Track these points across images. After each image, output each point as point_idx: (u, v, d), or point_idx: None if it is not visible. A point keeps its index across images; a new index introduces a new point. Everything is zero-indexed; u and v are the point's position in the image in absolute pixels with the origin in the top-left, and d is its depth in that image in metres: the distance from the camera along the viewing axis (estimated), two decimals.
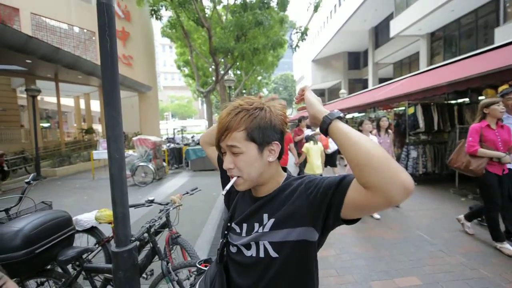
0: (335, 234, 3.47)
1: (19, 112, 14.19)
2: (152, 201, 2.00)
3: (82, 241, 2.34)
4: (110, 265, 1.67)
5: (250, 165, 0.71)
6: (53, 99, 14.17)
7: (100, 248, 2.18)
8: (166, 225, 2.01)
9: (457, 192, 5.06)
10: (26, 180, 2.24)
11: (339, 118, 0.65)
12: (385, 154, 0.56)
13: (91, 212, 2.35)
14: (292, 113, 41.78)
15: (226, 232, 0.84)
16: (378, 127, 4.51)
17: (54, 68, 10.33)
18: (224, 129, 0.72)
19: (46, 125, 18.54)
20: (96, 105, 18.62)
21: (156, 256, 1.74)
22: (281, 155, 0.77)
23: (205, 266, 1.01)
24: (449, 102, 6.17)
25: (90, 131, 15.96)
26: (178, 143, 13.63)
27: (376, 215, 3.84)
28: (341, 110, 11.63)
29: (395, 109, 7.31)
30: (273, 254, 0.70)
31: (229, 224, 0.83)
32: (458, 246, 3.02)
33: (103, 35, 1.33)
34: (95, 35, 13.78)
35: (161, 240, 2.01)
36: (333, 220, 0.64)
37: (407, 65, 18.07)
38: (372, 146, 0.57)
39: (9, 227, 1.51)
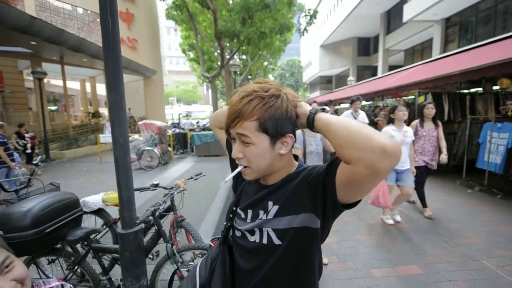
0: (339, 222, 3.48)
1: (26, 95, 14.31)
2: (157, 185, 2.02)
3: (90, 222, 2.40)
4: (117, 246, 1.71)
5: (260, 157, 0.68)
6: (60, 82, 14.19)
7: (107, 229, 2.23)
8: (171, 208, 2.04)
9: (463, 184, 5.00)
10: (34, 162, 2.27)
11: (322, 110, 0.66)
12: (361, 126, 0.56)
13: (98, 194, 2.39)
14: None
15: (231, 216, 0.83)
16: (421, 116, 3.56)
17: (59, 50, 10.26)
18: (235, 116, 0.67)
19: (53, 108, 18.72)
20: (102, 89, 18.63)
21: (161, 239, 1.78)
22: (293, 145, 0.74)
23: None
24: (461, 91, 5.96)
25: (96, 114, 16.08)
26: (183, 129, 13.68)
27: (390, 221, 3.39)
28: (348, 98, 11.41)
29: (404, 97, 7.11)
30: (276, 241, 0.70)
31: (234, 209, 0.83)
32: (462, 237, 3.02)
33: (105, 15, 1.29)
34: (99, 17, 13.56)
35: (166, 223, 2.05)
36: (332, 204, 0.63)
37: (419, 52, 17.39)
38: (349, 124, 0.57)
39: (18, 207, 1.54)
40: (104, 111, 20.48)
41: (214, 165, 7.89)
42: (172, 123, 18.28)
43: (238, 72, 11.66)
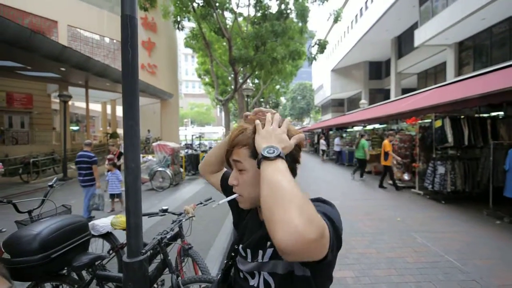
0: (353, 253, 3.27)
1: (52, 116, 15.24)
2: (165, 211, 1.99)
3: (97, 245, 2.37)
4: (121, 275, 1.65)
5: (253, 185, 0.69)
6: (83, 104, 15.08)
7: (113, 254, 2.19)
8: (178, 235, 1.98)
9: (491, 214, 4.62)
10: (50, 183, 2.32)
11: (267, 158, 0.58)
12: (279, 203, 0.50)
13: (108, 218, 2.38)
14: (310, 123, 41.27)
15: (233, 254, 0.81)
16: None
17: (85, 75, 11.03)
18: (230, 145, 0.73)
19: (75, 128, 19.72)
20: (121, 111, 19.53)
21: (167, 269, 1.71)
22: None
23: None
24: (481, 115, 5.75)
25: (114, 135, 16.73)
26: (196, 150, 13.86)
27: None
28: (361, 122, 11.29)
29: (419, 121, 6.94)
30: (272, 285, 0.68)
31: (236, 247, 0.81)
32: (494, 276, 2.71)
33: (125, 46, 1.36)
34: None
35: (173, 251, 1.98)
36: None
37: (433, 75, 17.27)
38: (273, 195, 0.51)
39: (28, 230, 1.55)
40: (121, 131, 21.29)
41: None
42: (185, 144, 18.67)
43: (251, 95, 11.93)
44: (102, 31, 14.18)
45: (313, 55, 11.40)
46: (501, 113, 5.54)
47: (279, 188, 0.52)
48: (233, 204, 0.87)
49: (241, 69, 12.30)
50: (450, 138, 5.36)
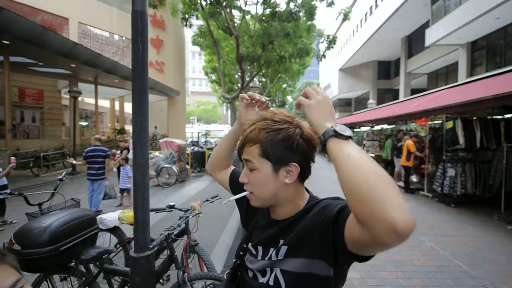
0: None
1: (62, 111, 15.55)
2: (172, 207, 1.99)
3: (104, 239, 2.40)
4: (128, 269, 1.67)
5: (263, 184, 0.67)
6: (92, 100, 15.33)
7: (120, 248, 2.21)
8: (185, 231, 1.99)
9: (502, 219, 4.50)
10: (59, 177, 2.36)
11: (337, 135, 0.54)
12: (377, 182, 0.45)
13: (115, 212, 2.41)
14: None
15: (241, 253, 0.80)
16: None
17: (95, 72, 11.19)
18: (242, 142, 0.71)
19: (84, 124, 20.07)
20: (129, 107, 19.83)
21: (173, 264, 1.71)
22: (306, 177, 0.71)
23: None
24: (494, 117, 5.59)
25: (122, 131, 16.96)
26: (202, 147, 13.94)
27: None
28: (369, 122, 11.13)
29: (430, 122, 6.80)
30: (282, 283, 0.65)
31: (245, 246, 0.80)
32: (506, 283, 2.64)
33: (136, 42, 1.36)
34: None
35: (179, 247, 1.98)
36: (342, 254, 0.55)
37: (444, 75, 16.89)
38: (365, 171, 0.47)
39: (38, 222, 1.57)
40: (129, 128, 21.60)
41: None
42: (192, 141, 18.80)
43: (258, 94, 11.89)
44: (111, 28, 14.35)
45: (322, 52, 11.27)
46: None
47: (369, 166, 0.48)
48: (240, 203, 0.86)
49: (248, 67, 12.28)
50: (461, 139, 5.23)
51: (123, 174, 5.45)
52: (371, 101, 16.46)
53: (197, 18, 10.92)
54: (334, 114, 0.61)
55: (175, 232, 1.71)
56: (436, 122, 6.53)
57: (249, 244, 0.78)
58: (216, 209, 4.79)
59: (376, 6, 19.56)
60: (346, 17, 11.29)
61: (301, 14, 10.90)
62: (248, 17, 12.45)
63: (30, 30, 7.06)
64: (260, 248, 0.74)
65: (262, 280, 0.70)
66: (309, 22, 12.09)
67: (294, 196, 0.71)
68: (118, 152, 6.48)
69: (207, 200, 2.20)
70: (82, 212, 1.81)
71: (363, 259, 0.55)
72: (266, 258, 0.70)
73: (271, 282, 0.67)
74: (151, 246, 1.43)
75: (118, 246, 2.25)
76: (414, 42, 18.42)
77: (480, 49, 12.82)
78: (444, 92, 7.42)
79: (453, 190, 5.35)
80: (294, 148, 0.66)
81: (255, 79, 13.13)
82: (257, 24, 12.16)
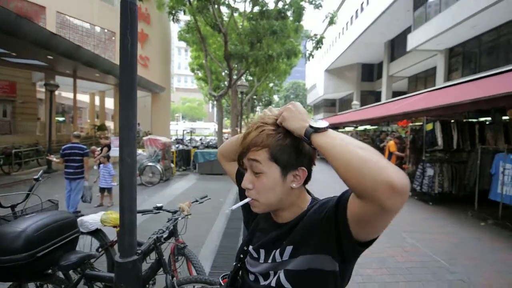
0: None
1: (37, 106, 14.62)
2: (160, 208, 1.92)
3: (85, 243, 2.27)
4: (111, 274, 1.58)
5: (270, 189, 0.65)
6: (70, 95, 14.57)
7: (103, 252, 2.10)
8: (172, 233, 1.92)
9: (476, 216, 4.78)
10: (35, 177, 2.20)
11: (316, 130, 0.58)
12: (366, 153, 0.50)
13: (97, 214, 2.28)
14: None
15: (241, 256, 0.78)
16: None
17: (73, 65, 10.61)
18: (248, 145, 0.66)
19: (61, 119, 19.04)
20: (110, 103, 19.04)
21: (161, 268, 1.64)
22: (308, 181, 0.70)
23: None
24: (469, 120, 5.92)
25: (102, 127, 16.26)
26: (187, 145, 13.68)
27: None
28: (354, 122, 11.42)
29: (410, 124, 7.08)
30: (285, 284, 0.64)
31: (245, 248, 0.78)
32: (481, 277, 2.80)
33: (125, 34, 1.28)
34: (115, 35, 14.18)
35: (166, 249, 1.91)
36: (347, 242, 0.56)
37: (423, 79, 17.68)
38: (353, 148, 0.51)
39: (12, 227, 1.45)
40: (110, 124, 20.76)
41: (217, 185, 7.74)
42: (176, 139, 18.40)
43: (245, 92, 11.84)
44: (92, 20, 13.66)
45: (309, 52, 11.39)
46: (489, 118, 5.71)
47: (356, 142, 0.53)
48: (243, 196, 0.83)
49: (236, 65, 12.17)
50: (440, 141, 5.49)
51: (104, 172, 5.21)
52: (355, 102, 16.90)
53: (184, 13, 10.66)
54: (309, 117, 0.63)
55: (165, 235, 1.64)
56: (416, 124, 6.81)
57: (250, 247, 0.76)
58: (201, 209, 4.70)
59: (362, 9, 20.09)
60: (332, 20, 11.47)
61: (289, 13, 10.94)
62: (236, 14, 12.32)
63: (1, 17, 6.56)
64: (262, 251, 0.72)
65: (263, 283, 0.69)
66: (296, 23, 12.16)
67: (298, 199, 0.70)
68: (98, 149, 6.19)
69: (196, 201, 2.14)
70: (61, 215, 1.69)
71: (366, 244, 0.57)
72: (270, 261, 0.69)
73: (273, 284, 0.66)
74: (139, 251, 1.36)
75: (100, 250, 2.13)
76: (396, 46, 19.10)
77: (456, 55, 13.54)
78: (425, 95, 7.75)
79: (431, 189, 5.60)
80: (303, 152, 0.66)
81: (242, 77, 13.03)
82: (245, 22, 12.07)
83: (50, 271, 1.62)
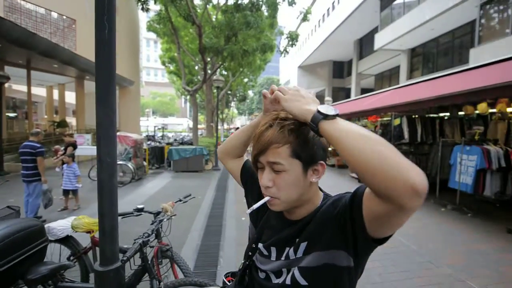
0: None
1: None
2: (141, 210, 1.80)
3: (53, 252, 2.06)
4: (88, 285, 1.45)
5: (293, 185, 0.63)
6: (23, 88, 13.05)
7: (75, 261, 1.92)
8: (156, 236, 1.81)
9: (437, 202, 5.26)
10: None
11: (326, 117, 0.54)
12: (386, 150, 0.47)
13: (66, 219, 2.08)
14: None
15: (250, 254, 0.76)
16: None
17: (27, 54, 9.49)
18: (266, 143, 0.62)
19: (12, 115, 17.04)
20: (71, 97, 17.45)
21: (146, 274, 1.54)
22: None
23: (230, 281, 0.90)
24: (430, 115, 6.45)
25: (62, 124, 14.85)
26: (160, 142, 13.10)
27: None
28: None
29: (379, 119, 7.53)
30: (301, 281, 0.63)
31: (254, 246, 0.76)
32: (445, 258, 3.09)
33: (101, 20, 1.15)
34: (75, 23, 12.93)
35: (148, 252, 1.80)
36: (362, 239, 0.56)
37: (388, 77, 18.89)
38: (370, 143, 0.48)
39: None
40: (71, 120, 19.08)
41: (194, 182, 7.54)
42: (147, 136, 17.54)
43: (220, 87, 11.63)
44: (48, 4, 12.28)
45: (284, 47, 11.50)
46: (447, 114, 6.28)
47: (373, 135, 0.49)
48: (250, 195, 0.82)
49: (209, 59, 11.86)
50: (406, 135, 5.92)
51: (69, 173, 4.77)
52: (328, 98, 17.49)
53: (155, 3, 10.08)
54: (315, 101, 0.59)
55: (151, 239, 1.54)
56: (385, 119, 7.26)
57: (260, 245, 0.74)
58: (180, 208, 4.54)
59: (333, 8, 20.72)
60: (305, 17, 11.66)
61: (263, 8, 10.89)
62: (209, 6, 11.95)
63: None
64: (273, 249, 0.71)
65: (276, 281, 0.68)
66: (272, 19, 12.18)
67: (314, 195, 0.69)
68: (62, 148, 5.65)
69: (180, 200, 2.04)
70: (27, 223, 1.50)
71: (381, 241, 0.56)
72: (283, 258, 0.68)
73: (288, 282, 0.65)
74: (124, 258, 1.26)
75: (72, 258, 1.94)
76: (365, 45, 20.10)
77: (417, 55, 14.64)
78: (391, 92, 8.27)
79: None
80: (322, 145, 0.65)
81: (216, 72, 12.76)
82: (219, 14, 11.76)
83: (15, 286, 1.43)
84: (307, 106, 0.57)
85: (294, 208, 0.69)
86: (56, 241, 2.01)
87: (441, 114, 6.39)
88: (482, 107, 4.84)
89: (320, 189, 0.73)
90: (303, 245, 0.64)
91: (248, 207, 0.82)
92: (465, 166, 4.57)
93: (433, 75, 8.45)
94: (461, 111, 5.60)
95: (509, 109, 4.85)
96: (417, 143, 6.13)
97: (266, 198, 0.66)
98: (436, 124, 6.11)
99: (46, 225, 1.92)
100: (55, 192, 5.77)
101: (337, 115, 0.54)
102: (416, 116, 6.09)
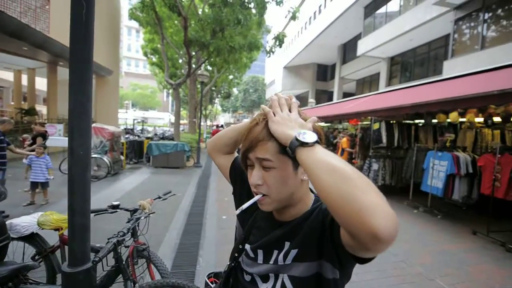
0: None
1: None
2: (117, 207, 1.69)
3: (16, 251, 1.88)
4: (54, 287, 1.33)
5: (283, 183, 0.61)
6: None
7: (41, 261, 1.77)
8: (132, 234, 1.71)
9: (410, 205, 5.53)
10: None
11: (302, 144, 0.53)
12: (354, 190, 0.43)
13: (32, 215, 1.91)
14: None
15: (236, 255, 0.74)
16: None
17: None
18: (254, 139, 0.62)
19: None
20: (42, 83, 16.25)
21: (120, 275, 1.45)
22: None
23: (213, 282, 0.87)
24: (406, 122, 6.77)
25: (31, 112, 13.80)
26: (138, 136, 12.61)
27: None
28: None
29: (360, 123, 7.78)
30: None
31: (241, 247, 0.73)
32: (417, 257, 3.25)
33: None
34: (49, 4, 12.03)
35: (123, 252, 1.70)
36: (343, 256, 0.54)
37: (368, 83, 19.63)
38: (338, 180, 0.45)
39: None
40: (41, 108, 17.80)
41: (174, 178, 7.33)
42: (125, 129, 16.79)
43: (205, 82, 11.39)
44: None
45: (270, 47, 11.52)
46: (422, 120, 6.62)
47: (344, 171, 0.46)
48: (240, 198, 0.79)
49: (194, 53, 11.58)
50: (384, 139, 6.16)
51: (41, 164, 4.42)
52: (311, 100, 17.83)
53: None
54: (299, 126, 0.58)
55: (127, 238, 1.44)
56: (365, 123, 7.51)
57: (247, 246, 0.72)
58: (158, 205, 4.39)
59: (320, 11, 21.11)
60: (294, 16, 11.74)
61: (252, 5, 10.81)
62: None
63: None
64: (260, 252, 0.68)
65: (263, 286, 0.66)
66: (260, 17, 12.13)
67: (304, 194, 0.67)
68: (30, 138, 5.23)
69: (159, 197, 1.95)
70: None
71: (364, 260, 0.53)
72: (271, 262, 0.66)
73: None
74: (97, 258, 1.16)
75: (37, 257, 1.78)
76: (348, 50, 20.70)
77: (396, 63, 15.34)
78: (372, 97, 8.58)
79: (375, 181, 6.27)
80: None
81: (201, 67, 12.49)
82: (206, 8, 11.50)
83: None
84: (290, 130, 0.56)
85: (285, 208, 0.67)
86: (20, 238, 1.83)
87: (417, 121, 6.73)
88: (453, 116, 5.15)
89: (311, 191, 0.71)
90: (293, 252, 0.63)
91: (236, 206, 0.79)
92: (436, 171, 4.84)
93: (410, 83, 8.90)
94: (435, 118, 5.93)
95: (477, 119, 5.21)
96: (394, 147, 6.41)
97: (256, 197, 0.63)
98: (411, 130, 6.42)
99: (8, 221, 1.75)
100: (20, 185, 5.35)
101: (316, 142, 0.53)
102: (394, 121, 6.36)
